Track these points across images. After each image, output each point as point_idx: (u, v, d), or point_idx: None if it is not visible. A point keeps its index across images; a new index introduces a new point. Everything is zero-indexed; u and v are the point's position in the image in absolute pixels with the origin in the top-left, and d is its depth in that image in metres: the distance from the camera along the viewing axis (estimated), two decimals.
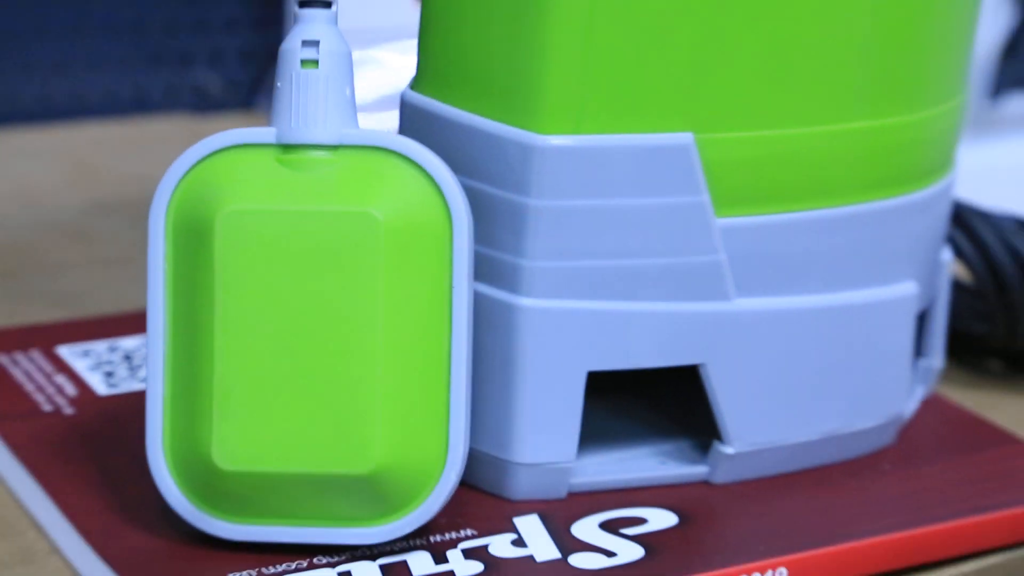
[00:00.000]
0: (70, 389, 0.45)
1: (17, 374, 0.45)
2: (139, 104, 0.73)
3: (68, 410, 0.43)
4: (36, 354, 0.47)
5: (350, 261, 0.36)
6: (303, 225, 0.36)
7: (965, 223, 0.47)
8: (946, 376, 0.50)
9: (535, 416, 0.39)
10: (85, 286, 0.54)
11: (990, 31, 0.86)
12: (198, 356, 0.36)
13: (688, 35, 0.37)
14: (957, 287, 0.51)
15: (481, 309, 0.39)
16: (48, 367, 0.46)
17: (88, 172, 0.65)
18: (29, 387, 0.45)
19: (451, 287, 0.36)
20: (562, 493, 0.40)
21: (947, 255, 0.46)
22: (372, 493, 0.36)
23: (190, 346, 0.36)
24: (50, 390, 0.44)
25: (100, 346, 0.47)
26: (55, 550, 0.39)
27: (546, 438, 0.39)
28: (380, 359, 0.36)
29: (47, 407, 0.43)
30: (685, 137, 0.38)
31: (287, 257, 0.36)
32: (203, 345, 0.36)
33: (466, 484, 0.40)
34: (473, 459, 0.40)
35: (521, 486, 0.40)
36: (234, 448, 0.36)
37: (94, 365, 0.46)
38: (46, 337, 0.48)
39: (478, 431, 0.39)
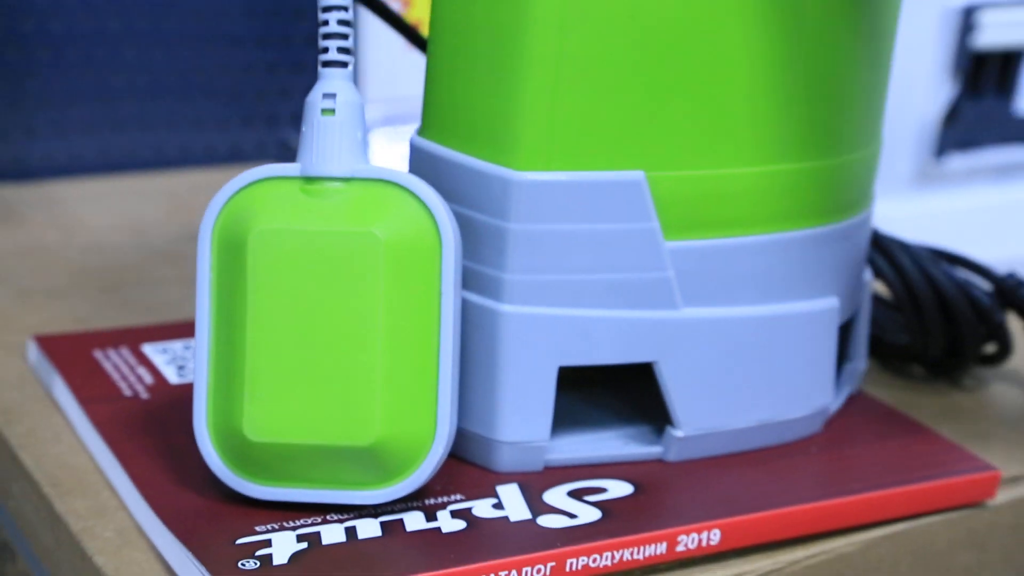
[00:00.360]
0: (148, 378, 0.44)
1: (107, 366, 0.45)
2: (234, 156, 0.73)
3: (144, 395, 0.43)
4: (124, 350, 0.47)
5: (356, 271, 0.35)
6: (319, 241, 0.35)
7: (886, 250, 0.46)
8: (875, 379, 0.49)
9: (514, 402, 0.38)
10: (174, 298, 0.54)
11: (934, 103, 0.85)
12: (234, 348, 0.36)
13: (638, 92, 0.37)
14: (884, 304, 0.50)
15: (469, 313, 0.38)
16: (133, 361, 0.46)
17: (188, 209, 0.65)
18: (115, 376, 0.45)
19: (440, 293, 0.36)
20: (539, 467, 0.39)
21: (868, 276, 0.45)
22: (373, 462, 0.36)
23: (228, 340, 0.36)
24: (132, 379, 0.44)
25: (177, 345, 0.47)
26: (122, 507, 0.38)
27: (524, 420, 0.39)
28: (379, 351, 0.35)
29: (128, 392, 0.43)
30: (637, 174, 0.37)
31: (306, 267, 0.35)
32: (238, 339, 0.36)
33: (457, 458, 0.39)
34: (463, 437, 0.39)
35: (503, 460, 0.39)
36: (261, 423, 0.36)
37: (170, 360, 0.46)
38: (134, 337, 0.48)
39: (467, 414, 0.39)
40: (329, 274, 0.35)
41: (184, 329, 0.49)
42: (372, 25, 0.70)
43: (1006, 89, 0.87)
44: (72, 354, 0.46)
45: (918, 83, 0.85)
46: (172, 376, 0.45)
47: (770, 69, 0.38)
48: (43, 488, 0.39)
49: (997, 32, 0.84)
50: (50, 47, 0.67)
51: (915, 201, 0.86)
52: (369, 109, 0.71)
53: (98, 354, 0.46)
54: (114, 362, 0.46)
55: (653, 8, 0.36)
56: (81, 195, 0.67)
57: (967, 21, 0.83)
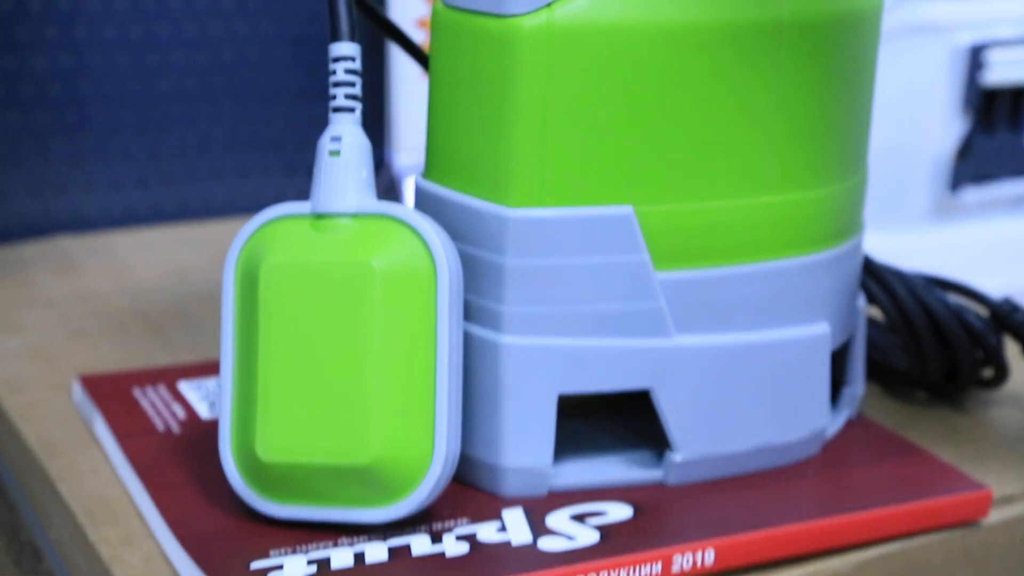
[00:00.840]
0: (181, 414, 0.45)
1: (144, 403, 0.46)
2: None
3: (176, 430, 0.43)
4: (161, 388, 0.47)
5: (354, 299, 0.36)
6: (321, 271, 0.36)
7: (880, 278, 0.46)
8: (878, 403, 0.48)
9: (517, 429, 0.38)
10: (214, 339, 0.54)
11: (947, 138, 0.84)
12: (249, 374, 0.37)
13: (623, 132, 0.37)
14: (886, 329, 0.49)
15: (472, 345, 0.38)
16: (168, 397, 0.46)
17: None
18: (151, 412, 0.45)
19: (436, 322, 0.36)
20: (543, 491, 0.39)
21: (862, 302, 0.44)
22: (373, 480, 0.36)
23: (246, 366, 0.37)
24: (166, 415, 0.45)
25: (211, 382, 0.47)
26: (150, 535, 0.39)
27: (527, 447, 0.38)
28: (375, 375, 0.35)
29: (161, 427, 0.44)
30: (626, 209, 0.37)
31: (310, 296, 0.36)
32: (253, 364, 0.36)
33: (465, 483, 0.39)
34: (470, 463, 0.39)
35: (508, 485, 0.39)
36: (271, 443, 0.36)
37: (203, 396, 0.46)
38: (171, 376, 0.48)
39: (473, 441, 0.39)
40: (330, 302, 0.36)
41: (218, 367, 0.49)
42: (402, 78, 0.71)
43: (1017, 124, 0.85)
44: (112, 392, 0.46)
45: (931, 120, 0.84)
46: (204, 412, 0.45)
47: (751, 106, 0.37)
48: (78, 518, 0.40)
49: (1006, 69, 0.83)
50: (106, 108, 0.69)
51: (932, 233, 0.85)
52: (401, 157, 0.72)
53: (136, 392, 0.47)
54: (151, 399, 0.46)
55: (635, 53, 0.36)
56: (133, 244, 0.68)
57: (976, 59, 0.82)
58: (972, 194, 0.84)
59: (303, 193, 0.74)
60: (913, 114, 0.83)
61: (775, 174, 0.38)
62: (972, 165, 0.83)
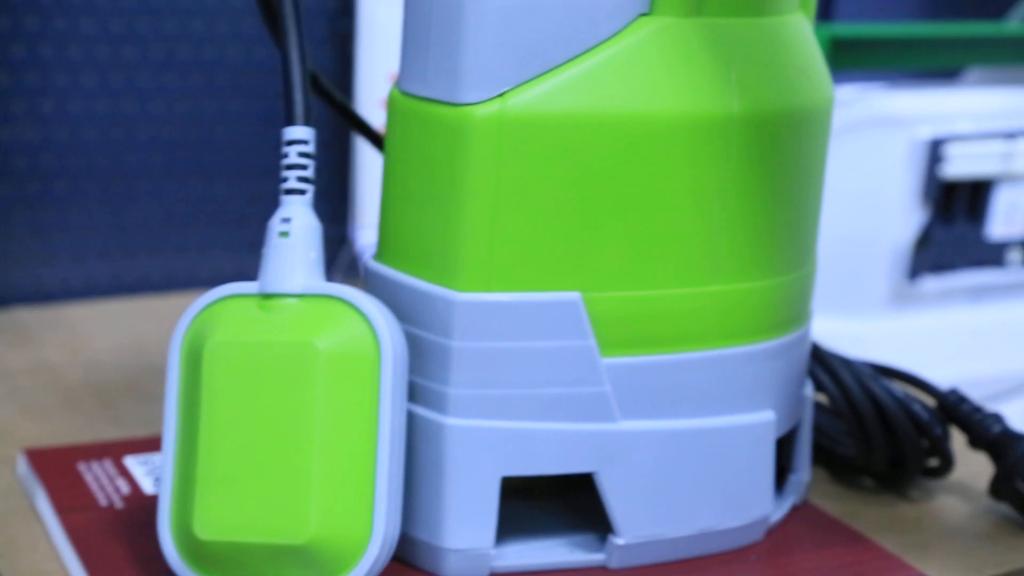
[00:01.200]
0: (125, 489, 0.45)
1: (89, 478, 0.45)
2: (239, 278, 0.74)
3: (119, 505, 0.43)
4: (107, 462, 0.47)
5: (296, 379, 0.36)
6: (264, 351, 0.36)
7: (828, 365, 0.46)
8: (825, 490, 0.48)
9: (460, 510, 0.38)
10: None
11: (907, 228, 0.85)
12: (190, 451, 0.37)
13: (573, 220, 0.37)
14: (833, 415, 0.49)
15: (416, 425, 0.38)
16: (113, 472, 0.46)
17: None
18: (94, 487, 0.45)
19: (379, 402, 0.36)
20: (484, 573, 0.39)
21: (809, 390, 0.45)
22: (310, 560, 0.36)
23: (188, 443, 0.37)
24: (110, 490, 0.44)
25: (158, 458, 0.47)
26: None
27: (469, 528, 0.38)
28: (315, 454, 0.35)
29: (104, 502, 0.43)
30: (573, 295, 0.38)
31: (253, 376, 0.36)
32: (193, 442, 0.36)
33: (407, 564, 0.39)
34: (411, 544, 0.39)
35: (449, 567, 0.39)
36: (208, 521, 0.36)
37: (149, 471, 0.46)
38: (118, 450, 0.48)
39: (415, 521, 0.39)
40: (272, 381, 0.36)
41: None
42: (368, 157, 0.72)
43: (975, 215, 0.87)
44: (56, 466, 0.46)
45: (891, 210, 0.85)
46: (148, 487, 0.45)
47: (699, 197, 0.38)
48: None
49: (965, 163, 0.85)
50: (70, 181, 0.69)
51: (890, 321, 0.86)
52: (364, 235, 0.72)
53: (81, 466, 0.46)
54: (95, 474, 0.46)
55: (585, 143, 0.37)
56: (92, 317, 0.68)
57: (936, 153, 0.84)
58: (930, 283, 0.85)
59: None
60: (874, 204, 0.85)
61: (723, 264, 0.39)
62: (930, 255, 0.85)
